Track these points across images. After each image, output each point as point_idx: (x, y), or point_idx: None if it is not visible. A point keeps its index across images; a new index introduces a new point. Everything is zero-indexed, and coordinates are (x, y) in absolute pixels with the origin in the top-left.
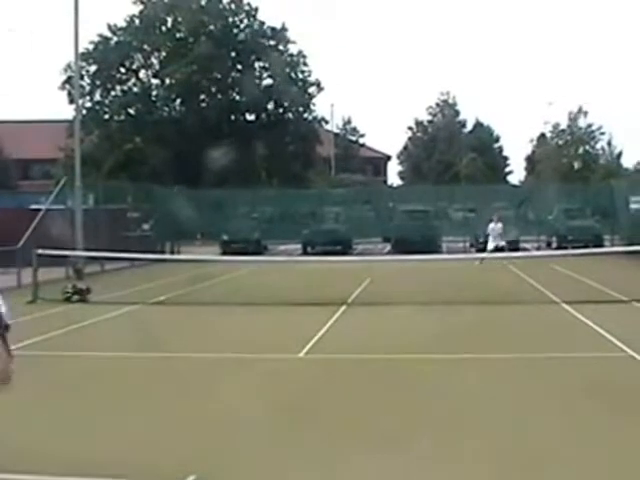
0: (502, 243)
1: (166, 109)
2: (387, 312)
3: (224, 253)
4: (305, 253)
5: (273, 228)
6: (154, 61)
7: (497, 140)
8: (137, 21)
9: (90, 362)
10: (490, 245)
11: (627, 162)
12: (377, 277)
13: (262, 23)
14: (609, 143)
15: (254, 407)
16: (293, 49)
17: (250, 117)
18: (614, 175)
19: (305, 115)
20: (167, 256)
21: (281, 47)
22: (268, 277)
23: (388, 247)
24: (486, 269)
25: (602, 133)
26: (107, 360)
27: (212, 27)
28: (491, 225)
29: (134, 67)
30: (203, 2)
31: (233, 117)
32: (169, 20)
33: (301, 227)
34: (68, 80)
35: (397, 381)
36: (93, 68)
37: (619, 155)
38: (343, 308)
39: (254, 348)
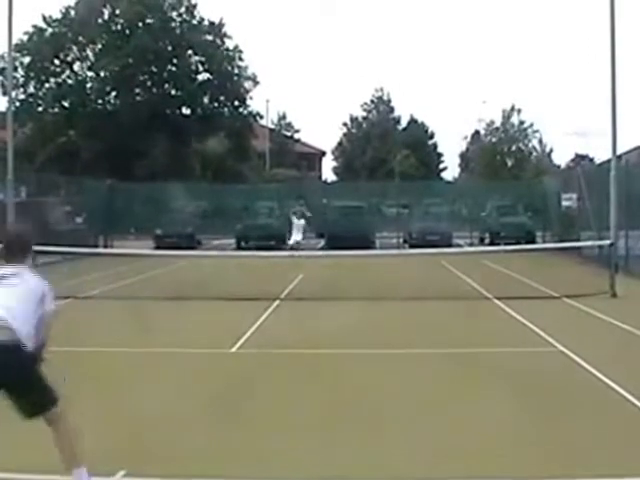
0: (300, 237)
1: (100, 102)
2: (319, 307)
3: (158, 247)
4: (239, 248)
5: (207, 223)
6: (89, 53)
7: (431, 137)
8: (72, 12)
9: None
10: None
11: (558, 159)
12: (310, 272)
13: (202, 19)
14: (540, 141)
15: (183, 402)
16: (230, 44)
17: (185, 111)
18: (545, 172)
19: (240, 110)
20: (100, 250)
21: (218, 42)
22: (201, 272)
23: (322, 243)
24: (420, 265)
25: (535, 131)
26: None
27: (150, 20)
28: (294, 220)
29: (69, 59)
30: None
31: (168, 111)
32: (106, 12)
33: (235, 222)
34: (1, 71)
35: (324, 375)
36: (27, 60)
37: (550, 153)
38: (276, 303)
39: (185, 343)
